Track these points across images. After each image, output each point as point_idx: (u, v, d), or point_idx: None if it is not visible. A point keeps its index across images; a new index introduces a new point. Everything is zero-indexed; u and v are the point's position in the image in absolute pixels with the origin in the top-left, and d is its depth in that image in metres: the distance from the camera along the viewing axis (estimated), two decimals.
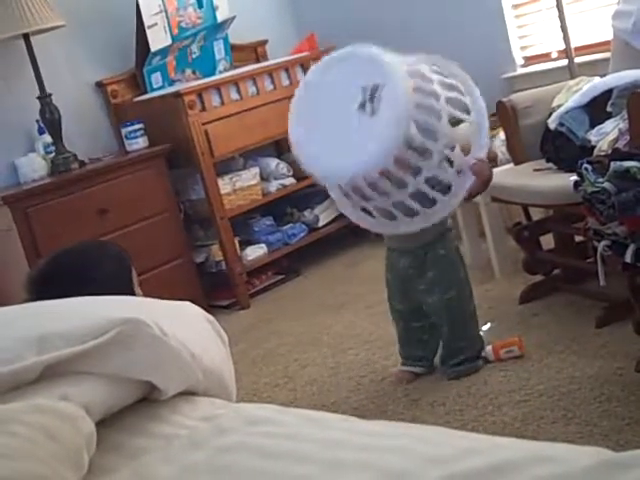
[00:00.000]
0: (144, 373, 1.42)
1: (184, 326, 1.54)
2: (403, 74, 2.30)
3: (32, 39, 3.81)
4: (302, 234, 4.48)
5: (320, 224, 4.53)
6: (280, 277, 4.41)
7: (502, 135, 3.75)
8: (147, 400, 1.47)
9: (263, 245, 4.33)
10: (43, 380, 1.37)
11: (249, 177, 4.31)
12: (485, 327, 3.09)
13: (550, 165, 3.15)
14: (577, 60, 3.90)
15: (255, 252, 4.29)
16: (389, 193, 2.39)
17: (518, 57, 4.36)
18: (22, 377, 1.36)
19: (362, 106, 2.30)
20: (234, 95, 4.20)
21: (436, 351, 2.91)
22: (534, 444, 1.08)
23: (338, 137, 2.36)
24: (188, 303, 1.68)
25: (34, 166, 3.89)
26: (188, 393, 1.52)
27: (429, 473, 1.06)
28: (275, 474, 1.16)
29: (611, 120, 2.97)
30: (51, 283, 2.02)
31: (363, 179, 2.35)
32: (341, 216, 4.39)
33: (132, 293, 2.07)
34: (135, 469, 1.25)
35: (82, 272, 2.05)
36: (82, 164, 3.93)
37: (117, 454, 1.31)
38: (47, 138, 3.94)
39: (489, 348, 2.85)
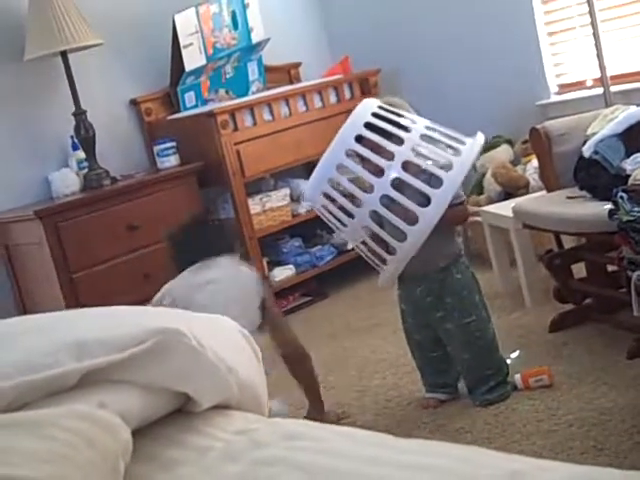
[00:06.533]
0: (180, 384, 1.42)
1: (220, 339, 1.54)
2: None
3: (70, 56, 3.86)
4: (330, 256, 4.47)
5: (349, 247, 4.52)
6: (307, 299, 4.40)
7: (535, 162, 3.74)
8: (181, 411, 1.47)
9: (291, 266, 4.33)
10: (80, 387, 1.37)
11: (279, 198, 4.32)
12: (514, 355, 3.06)
13: (584, 193, 3.12)
14: (613, 89, 3.88)
15: (283, 273, 4.29)
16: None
17: (553, 84, 4.35)
18: (61, 383, 1.36)
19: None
20: (267, 116, 4.22)
21: (458, 377, 2.87)
22: (580, 467, 1.05)
23: None
24: (224, 317, 1.68)
25: (67, 181, 3.92)
26: (222, 406, 1.51)
27: None
28: None
29: None
30: (188, 236, 2.74)
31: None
32: None
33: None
34: None
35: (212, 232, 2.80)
36: (114, 180, 3.95)
37: (151, 464, 1.30)
38: (81, 154, 3.97)
39: (518, 376, 2.82)
